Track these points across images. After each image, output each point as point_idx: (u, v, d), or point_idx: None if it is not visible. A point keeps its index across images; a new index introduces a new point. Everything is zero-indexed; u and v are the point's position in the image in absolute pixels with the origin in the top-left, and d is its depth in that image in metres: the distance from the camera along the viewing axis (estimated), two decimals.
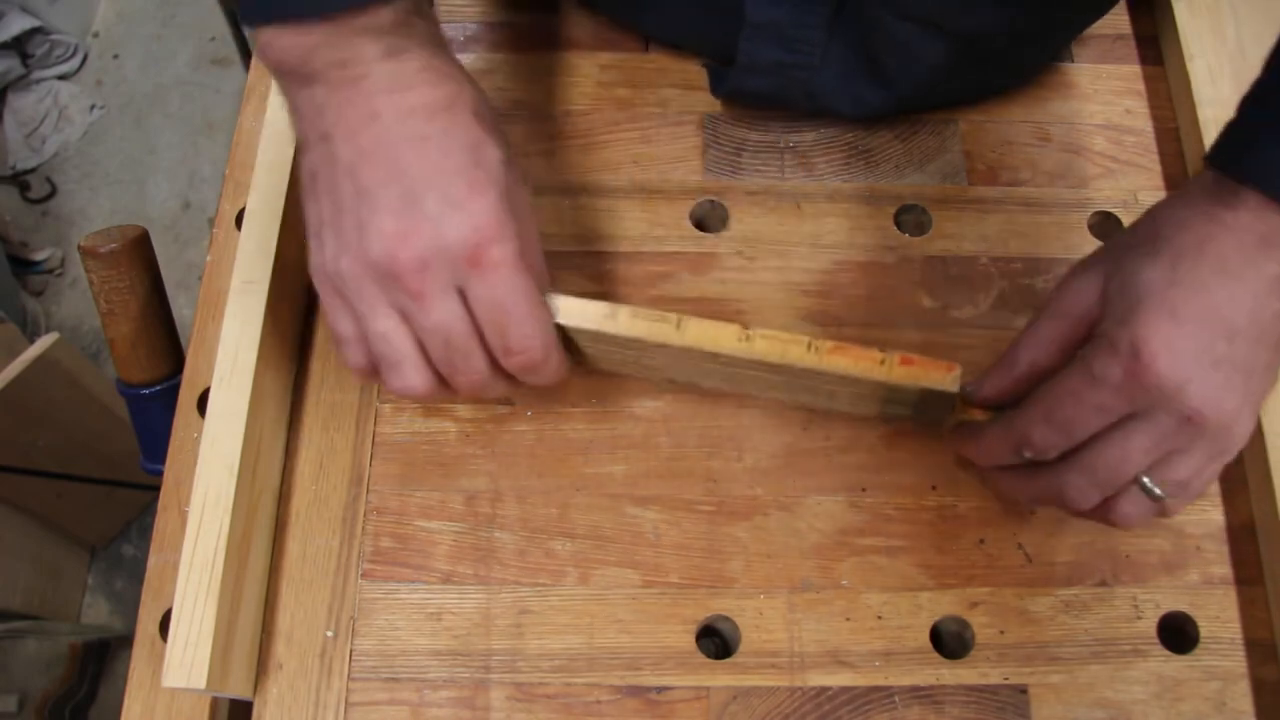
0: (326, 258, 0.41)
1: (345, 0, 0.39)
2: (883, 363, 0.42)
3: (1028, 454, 0.42)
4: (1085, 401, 0.39)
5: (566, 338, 0.45)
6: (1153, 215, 0.41)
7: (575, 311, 0.44)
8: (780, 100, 0.56)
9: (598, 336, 0.45)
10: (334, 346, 0.43)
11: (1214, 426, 0.37)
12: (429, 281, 0.40)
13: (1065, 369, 0.40)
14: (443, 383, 0.43)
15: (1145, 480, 0.39)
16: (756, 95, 0.56)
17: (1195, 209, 0.38)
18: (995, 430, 0.43)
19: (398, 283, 0.40)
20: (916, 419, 0.48)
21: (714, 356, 0.43)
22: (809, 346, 0.42)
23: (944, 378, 0.42)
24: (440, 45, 0.42)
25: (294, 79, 0.41)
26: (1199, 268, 0.37)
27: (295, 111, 0.42)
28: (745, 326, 0.43)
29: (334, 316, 0.42)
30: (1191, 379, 0.37)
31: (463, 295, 0.41)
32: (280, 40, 0.39)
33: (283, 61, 0.40)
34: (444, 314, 0.40)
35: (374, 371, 0.43)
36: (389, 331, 0.41)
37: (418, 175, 0.40)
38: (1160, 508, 0.40)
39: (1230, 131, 0.39)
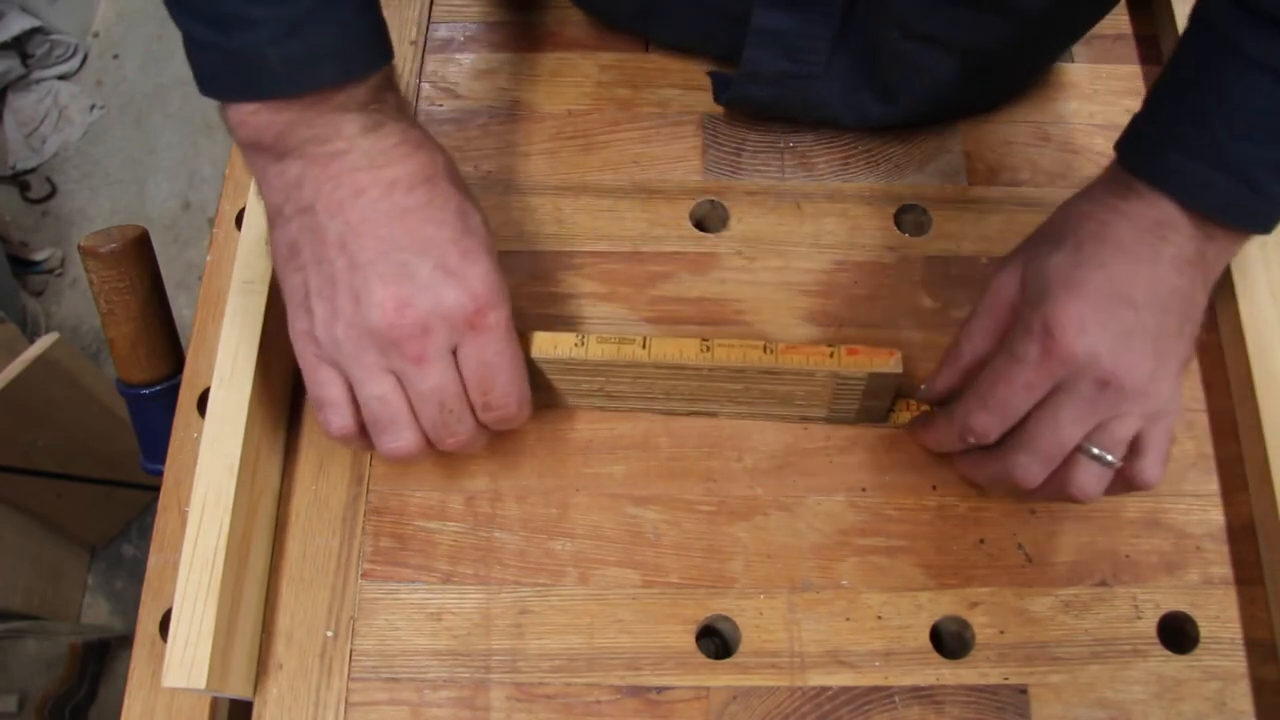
0: (317, 325, 0.42)
1: (328, 76, 0.40)
2: (831, 355, 0.46)
3: (970, 439, 0.44)
4: (1013, 381, 0.42)
5: (534, 373, 0.47)
6: (1061, 210, 0.45)
7: (547, 345, 0.46)
8: (780, 109, 0.56)
9: (568, 367, 0.47)
10: (315, 411, 0.43)
11: (1132, 388, 0.40)
12: (429, 346, 0.41)
13: (993, 358, 0.43)
14: (427, 441, 0.44)
15: (1093, 449, 0.42)
16: (758, 104, 0.56)
17: (1096, 202, 0.43)
18: (941, 420, 0.47)
19: (397, 348, 0.41)
20: (861, 414, 0.50)
21: (680, 371, 0.46)
22: (765, 349, 0.46)
23: (887, 361, 0.46)
24: (409, 114, 0.44)
25: (268, 154, 0.41)
26: (1100, 250, 0.41)
27: (265, 184, 0.42)
28: (705, 339, 0.46)
29: (319, 381, 0.43)
30: (1101, 346, 0.40)
31: (453, 355, 0.42)
32: (255, 118, 0.40)
33: (259, 140, 0.41)
34: (440, 378, 0.42)
35: (357, 434, 0.44)
36: (386, 393, 0.42)
37: (410, 246, 0.41)
38: (1123, 477, 0.43)
39: (1131, 127, 0.43)
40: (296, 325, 0.43)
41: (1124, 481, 0.43)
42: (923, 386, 0.49)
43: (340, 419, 0.43)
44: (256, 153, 0.42)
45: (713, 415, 0.51)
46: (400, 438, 0.43)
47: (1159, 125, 0.42)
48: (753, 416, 0.51)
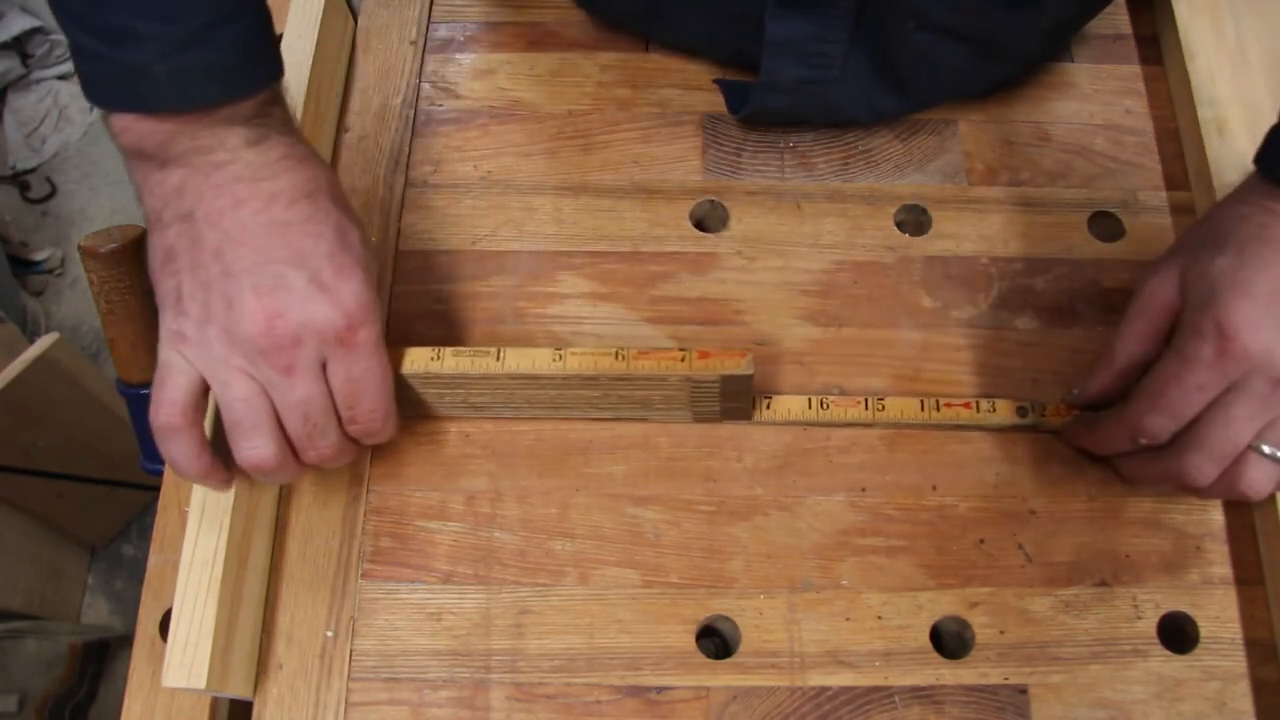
0: (190, 326, 0.41)
1: (213, 94, 0.40)
2: (683, 359, 0.46)
3: (1142, 440, 0.45)
4: (1185, 383, 0.42)
5: (406, 387, 0.48)
6: (1214, 214, 0.45)
7: (404, 359, 0.47)
8: (799, 115, 0.56)
9: (426, 381, 0.47)
10: (154, 393, 0.42)
11: None
12: (299, 358, 0.41)
13: (1160, 359, 0.44)
14: (288, 454, 0.43)
15: (1264, 448, 0.42)
16: (778, 113, 0.56)
17: (1252, 204, 0.43)
18: (1109, 422, 0.47)
19: (266, 358, 0.41)
20: (726, 414, 0.50)
21: (534, 381, 0.47)
22: (617, 355, 0.46)
23: (738, 363, 0.46)
24: (294, 128, 0.44)
25: (150, 162, 0.41)
26: (1263, 251, 0.41)
27: (145, 189, 0.42)
28: (558, 349, 0.47)
29: (174, 369, 0.42)
30: (1275, 345, 0.40)
31: (322, 368, 0.42)
32: (138, 125, 0.40)
33: (140, 146, 0.41)
34: (307, 390, 0.42)
35: (183, 427, 0.42)
36: (251, 396, 0.42)
37: (286, 258, 0.41)
38: None
39: (1272, 139, 0.43)
40: (169, 325, 0.42)
41: None
42: (1074, 391, 0.49)
43: (167, 411, 0.41)
44: (138, 159, 0.41)
45: (581, 419, 0.51)
46: (260, 445, 0.42)
47: None
48: (619, 420, 0.51)
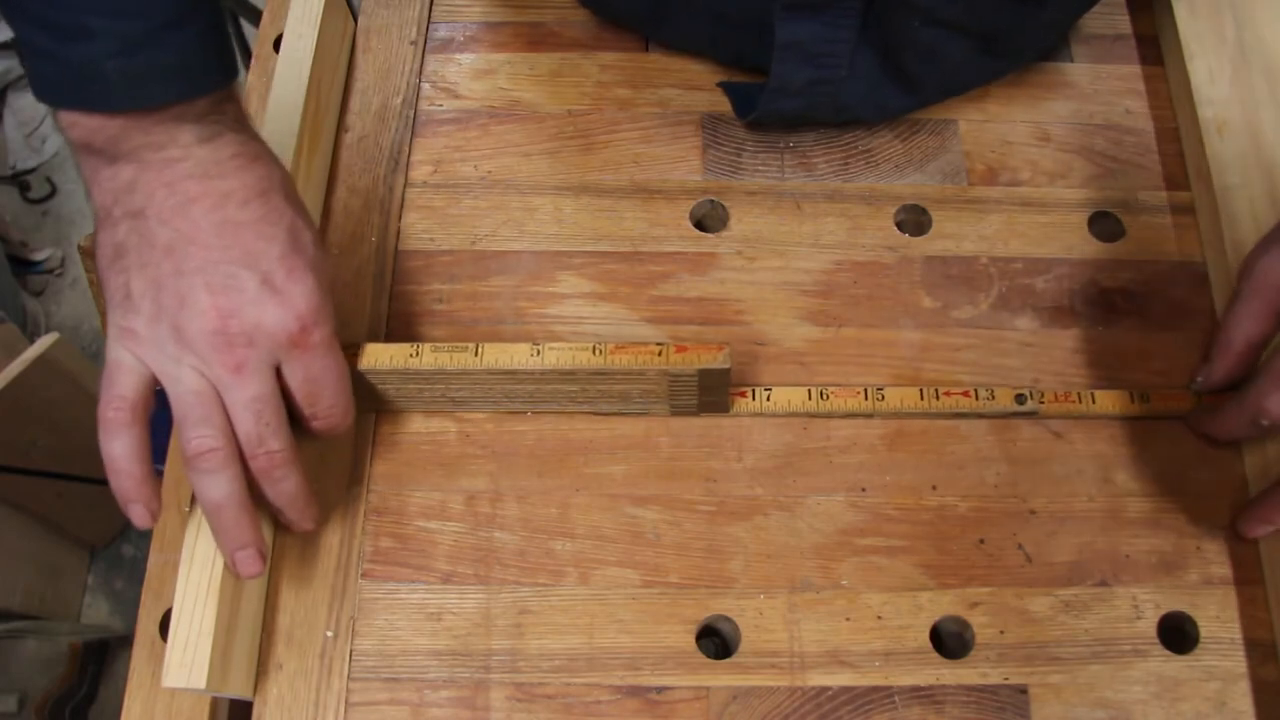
0: (139, 323, 0.41)
1: (167, 94, 0.39)
2: (660, 353, 0.46)
3: (1264, 422, 0.45)
4: None
5: (367, 383, 0.48)
6: None
7: (382, 357, 0.47)
8: (809, 117, 0.56)
9: (405, 376, 0.48)
10: (102, 389, 0.42)
11: None
12: (250, 358, 0.41)
13: (1268, 338, 0.44)
14: (234, 452, 0.42)
15: None
16: (788, 115, 0.56)
17: None
18: (1231, 407, 0.47)
19: (218, 355, 0.41)
20: (704, 407, 0.50)
21: (513, 375, 0.47)
22: (594, 350, 0.47)
23: (715, 356, 0.46)
24: (248, 125, 0.43)
25: (100, 157, 0.41)
26: None
27: (95, 184, 0.42)
28: (535, 343, 0.47)
29: (124, 367, 0.42)
30: None
31: (276, 369, 0.42)
32: (88, 120, 0.39)
33: (90, 142, 0.40)
34: (258, 389, 0.42)
35: (129, 424, 0.42)
36: (202, 390, 0.41)
37: (238, 259, 0.41)
38: None
39: None
40: (118, 322, 0.42)
41: None
42: (1198, 379, 0.49)
43: (115, 406, 0.42)
44: (87, 154, 0.41)
45: (562, 413, 0.51)
46: (208, 435, 0.41)
47: None
48: (597, 414, 0.51)
